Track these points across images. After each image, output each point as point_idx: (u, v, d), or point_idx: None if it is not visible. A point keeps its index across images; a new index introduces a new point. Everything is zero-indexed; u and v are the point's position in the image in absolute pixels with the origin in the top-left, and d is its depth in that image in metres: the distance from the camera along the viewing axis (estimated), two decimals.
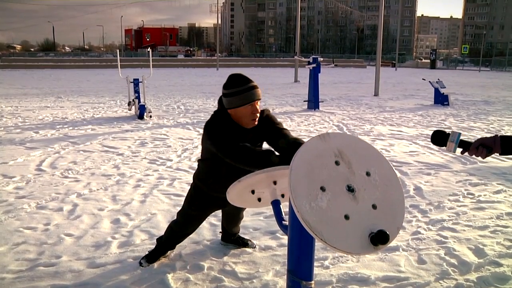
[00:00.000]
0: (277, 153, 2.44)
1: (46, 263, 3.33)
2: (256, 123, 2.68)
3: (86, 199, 4.77)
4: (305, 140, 2.19)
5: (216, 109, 2.79)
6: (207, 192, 3.00)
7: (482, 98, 17.03)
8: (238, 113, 2.63)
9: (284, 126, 2.82)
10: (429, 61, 59.33)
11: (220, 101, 2.74)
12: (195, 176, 3.08)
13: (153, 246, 3.46)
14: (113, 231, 3.93)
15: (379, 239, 1.71)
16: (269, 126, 2.77)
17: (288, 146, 2.51)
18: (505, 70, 50.34)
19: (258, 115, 2.67)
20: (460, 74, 41.47)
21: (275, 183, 2.41)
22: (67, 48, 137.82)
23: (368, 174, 1.90)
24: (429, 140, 8.62)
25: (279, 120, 2.86)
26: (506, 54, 61.51)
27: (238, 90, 2.57)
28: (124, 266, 3.30)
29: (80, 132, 8.78)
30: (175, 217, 3.29)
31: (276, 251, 3.58)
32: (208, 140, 2.65)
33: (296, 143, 2.48)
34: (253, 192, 2.50)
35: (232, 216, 3.46)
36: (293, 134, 2.72)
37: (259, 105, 2.69)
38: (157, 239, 3.43)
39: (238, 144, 2.49)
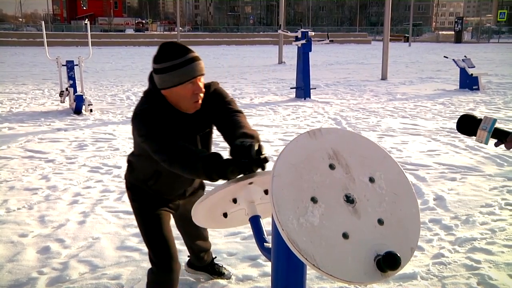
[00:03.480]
0: (224, 157, 2.30)
1: None
2: (200, 106, 2.59)
3: (1, 223, 4.71)
4: (291, 138, 2.20)
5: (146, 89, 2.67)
6: (152, 194, 2.90)
7: None
8: (175, 95, 2.52)
9: (238, 106, 2.72)
10: (453, 33, 60.13)
11: (151, 79, 2.63)
12: (129, 178, 2.96)
13: (96, 281, 3.43)
14: (40, 264, 3.88)
15: (388, 263, 1.73)
16: (218, 105, 2.67)
17: (233, 148, 2.27)
18: None
19: (201, 95, 2.57)
20: (495, 48, 42.13)
21: (266, 192, 2.43)
22: None
23: (371, 180, 1.93)
24: (453, 136, 8.64)
25: (231, 97, 2.75)
26: None
27: (173, 65, 2.45)
28: None
29: None
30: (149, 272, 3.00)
31: (258, 282, 3.60)
32: (139, 136, 2.53)
33: (243, 143, 2.24)
34: (225, 215, 2.51)
35: (191, 225, 3.06)
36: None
37: (203, 82, 2.59)
38: None
39: (179, 145, 2.40)
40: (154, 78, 2.55)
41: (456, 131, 2.18)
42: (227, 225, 2.72)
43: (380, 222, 1.85)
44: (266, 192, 2.44)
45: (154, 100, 2.56)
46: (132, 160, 2.91)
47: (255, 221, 2.43)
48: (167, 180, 2.75)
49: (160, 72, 2.48)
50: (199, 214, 2.43)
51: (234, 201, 2.43)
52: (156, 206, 2.90)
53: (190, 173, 2.38)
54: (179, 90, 2.49)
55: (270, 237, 2.14)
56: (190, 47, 2.55)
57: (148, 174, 2.79)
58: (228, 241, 4.25)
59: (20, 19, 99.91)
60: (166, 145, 2.40)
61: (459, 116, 2.13)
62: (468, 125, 2.09)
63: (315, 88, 13.73)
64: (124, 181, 3.01)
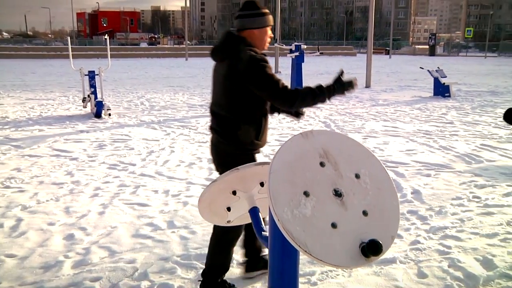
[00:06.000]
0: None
1: None
2: None
3: (32, 212, 4.70)
4: (286, 139, 2.21)
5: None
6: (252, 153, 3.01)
7: (489, 88, 17.37)
8: (262, 34, 2.86)
9: None
10: (427, 47, 60.18)
11: (230, 35, 2.86)
12: (235, 148, 2.91)
13: (114, 265, 3.42)
14: (66, 249, 3.88)
15: (371, 249, 1.72)
16: None
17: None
18: None
19: None
20: (463, 61, 42.18)
21: (262, 184, 2.42)
22: (5, 34, 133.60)
23: (357, 176, 1.92)
24: (428, 137, 8.62)
25: None
26: None
27: (263, 12, 2.85)
28: None
29: (25, 134, 8.64)
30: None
31: None
32: (261, 82, 2.73)
33: None
34: (234, 193, 2.50)
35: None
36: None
37: None
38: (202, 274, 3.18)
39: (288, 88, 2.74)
40: (247, 21, 2.83)
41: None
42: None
43: (365, 213, 1.84)
44: (262, 184, 2.44)
45: (247, 43, 2.83)
46: (239, 124, 2.88)
47: (254, 213, 2.43)
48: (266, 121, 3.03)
49: (257, 16, 2.83)
50: (205, 204, 2.42)
51: (234, 193, 2.42)
52: None
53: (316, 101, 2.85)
54: (264, 32, 2.87)
55: (268, 226, 2.13)
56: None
57: (257, 126, 2.94)
58: None
59: (50, 35, 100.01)
60: (286, 88, 2.75)
61: (508, 108, 2.25)
62: None
63: None
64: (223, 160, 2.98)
